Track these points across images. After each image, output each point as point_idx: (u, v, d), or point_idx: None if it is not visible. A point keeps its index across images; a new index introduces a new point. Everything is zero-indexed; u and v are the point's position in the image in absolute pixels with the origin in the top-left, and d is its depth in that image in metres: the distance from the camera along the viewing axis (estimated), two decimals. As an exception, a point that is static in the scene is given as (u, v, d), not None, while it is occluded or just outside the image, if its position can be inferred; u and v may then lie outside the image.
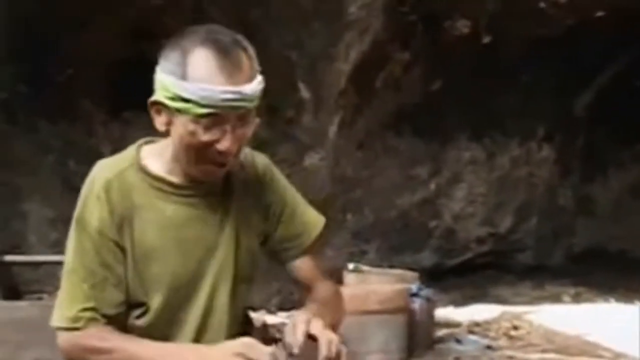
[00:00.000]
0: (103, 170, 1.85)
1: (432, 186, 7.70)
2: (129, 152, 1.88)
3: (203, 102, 1.69)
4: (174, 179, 1.84)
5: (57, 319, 1.82)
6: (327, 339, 1.68)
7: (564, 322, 6.20)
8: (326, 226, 2.04)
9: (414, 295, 5.37)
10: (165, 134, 1.80)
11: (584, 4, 6.99)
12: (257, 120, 1.79)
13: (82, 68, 6.28)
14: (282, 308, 6.19)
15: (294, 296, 5.76)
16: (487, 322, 6.24)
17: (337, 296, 2.03)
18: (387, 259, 7.19)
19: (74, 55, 6.21)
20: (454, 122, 7.52)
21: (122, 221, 1.81)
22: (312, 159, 6.64)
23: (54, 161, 6.55)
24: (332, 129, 6.70)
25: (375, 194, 7.43)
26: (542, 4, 6.85)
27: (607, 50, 7.43)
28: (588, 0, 6.99)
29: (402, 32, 6.75)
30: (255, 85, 1.74)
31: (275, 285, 6.10)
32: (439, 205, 7.78)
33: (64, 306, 1.81)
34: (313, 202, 2.06)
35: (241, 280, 1.90)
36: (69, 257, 1.84)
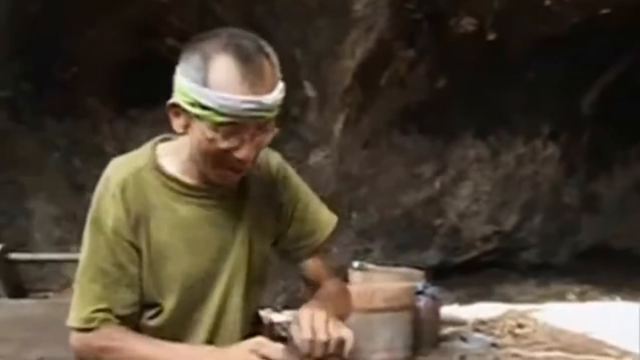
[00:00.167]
0: (119, 169, 1.83)
1: (437, 184, 7.69)
2: (145, 150, 1.87)
3: (223, 110, 1.66)
4: (189, 179, 1.83)
5: (71, 319, 1.82)
6: (326, 327, 1.68)
7: (569, 320, 6.19)
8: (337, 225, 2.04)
9: (419, 293, 5.37)
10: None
11: (590, 1, 6.98)
12: (276, 130, 1.77)
13: (87, 66, 6.28)
14: (287, 306, 6.19)
15: (299, 294, 5.77)
16: (492, 320, 6.23)
17: (344, 293, 2.03)
18: (392, 257, 7.18)
19: (79, 53, 6.21)
20: (459, 120, 7.51)
21: (137, 221, 1.80)
22: (317, 157, 6.64)
23: (59, 159, 6.56)
24: (337, 127, 6.70)
25: (381, 192, 7.42)
26: (547, 2, 6.83)
27: (612, 48, 7.41)
28: (593, -2, 6.98)
29: (408, 30, 6.74)
30: (276, 95, 1.71)
31: (281, 284, 6.10)
32: (444, 204, 7.77)
33: (77, 307, 1.81)
34: (318, 201, 2.05)
35: (254, 281, 1.90)
36: (83, 257, 1.83)
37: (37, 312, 4.09)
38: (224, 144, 1.70)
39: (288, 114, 6.29)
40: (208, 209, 1.84)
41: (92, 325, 1.78)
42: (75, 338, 1.81)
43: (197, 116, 1.69)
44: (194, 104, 1.68)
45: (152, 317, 1.84)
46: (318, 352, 1.67)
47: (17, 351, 4.06)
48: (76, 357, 1.84)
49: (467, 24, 6.91)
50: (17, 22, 6.10)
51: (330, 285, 1.99)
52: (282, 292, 6.27)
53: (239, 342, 1.78)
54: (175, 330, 1.83)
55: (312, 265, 2.00)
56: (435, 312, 5.58)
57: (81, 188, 6.25)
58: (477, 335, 5.87)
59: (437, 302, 5.58)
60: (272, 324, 2.07)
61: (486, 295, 7.25)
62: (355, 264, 5.98)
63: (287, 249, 1.98)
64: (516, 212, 8.11)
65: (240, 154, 1.72)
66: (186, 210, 1.82)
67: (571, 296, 7.34)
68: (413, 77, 7.03)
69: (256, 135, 1.72)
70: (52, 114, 6.43)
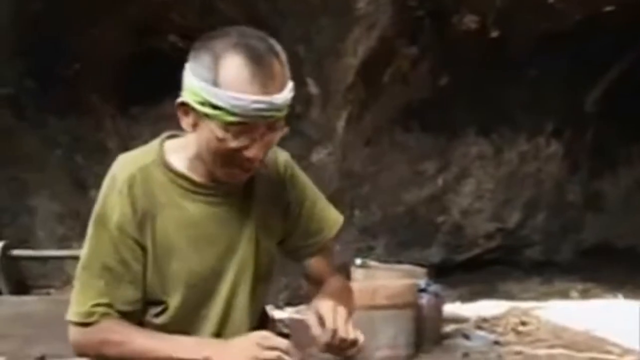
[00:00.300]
0: (126, 165, 1.82)
1: (440, 182, 7.68)
2: (152, 146, 1.86)
3: (234, 110, 1.66)
4: (197, 177, 1.82)
5: (71, 313, 1.81)
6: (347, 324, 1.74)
7: (572, 317, 6.19)
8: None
9: (422, 290, 5.37)
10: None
11: (593, -2, 6.97)
12: (285, 129, 1.77)
13: (89, 63, 6.28)
14: (290, 303, 6.20)
15: (302, 292, 5.77)
16: (495, 318, 6.23)
17: (348, 290, 2.03)
18: (394, 254, 7.18)
19: (82, 50, 6.21)
20: (462, 118, 7.50)
21: (144, 218, 1.79)
22: (319, 155, 6.64)
23: (61, 156, 6.57)
24: (340, 124, 6.69)
25: (383, 189, 7.42)
26: (550, -1, 6.83)
27: (616, 45, 7.39)
28: (597, -5, 6.97)
29: (410, 27, 6.73)
30: (286, 94, 1.71)
31: (283, 281, 6.10)
32: (447, 201, 7.76)
33: (77, 301, 1.80)
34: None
35: (260, 279, 1.90)
36: (85, 252, 1.82)
37: (39, 309, 4.10)
38: (233, 143, 1.70)
39: (290, 111, 6.28)
40: (215, 207, 1.83)
41: (93, 319, 1.77)
42: (75, 332, 1.81)
43: (207, 115, 1.69)
44: (204, 103, 1.68)
45: (157, 315, 1.83)
46: (337, 344, 1.71)
47: (19, 347, 4.07)
48: (76, 352, 1.83)
49: (470, 21, 6.90)
50: (20, 21, 6.11)
51: (334, 282, 2.00)
52: (284, 290, 6.27)
53: None
54: (181, 328, 1.82)
55: (316, 263, 2.01)
56: (438, 310, 5.58)
57: (83, 185, 6.26)
58: (480, 332, 5.86)
59: (439, 300, 5.58)
60: (274, 321, 2.07)
61: (489, 292, 7.25)
62: (358, 261, 5.97)
63: (293, 247, 1.98)
64: (519, 209, 8.09)
65: (250, 153, 1.72)
66: (194, 207, 1.82)
67: (574, 294, 7.33)
68: (415, 74, 7.03)
69: (266, 134, 1.72)
70: (55, 111, 6.43)
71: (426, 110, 7.24)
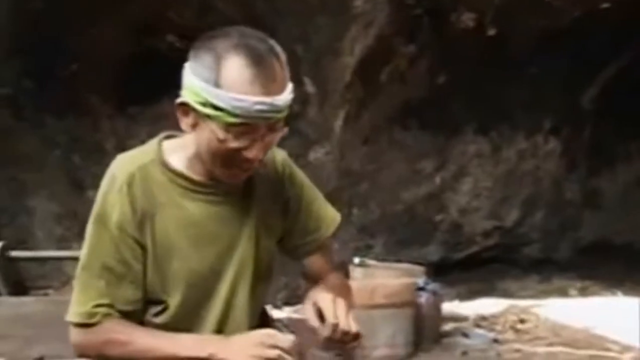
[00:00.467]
0: (125, 165, 1.82)
1: (438, 180, 7.68)
2: (151, 146, 1.86)
3: (236, 111, 1.66)
4: (196, 176, 1.82)
5: (71, 314, 1.80)
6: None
7: (571, 315, 6.19)
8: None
9: (421, 289, 5.37)
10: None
11: (590, -5, 6.98)
12: (285, 129, 1.77)
13: (87, 63, 6.28)
14: (288, 303, 6.20)
15: (300, 291, 5.77)
16: (494, 316, 6.24)
17: (346, 288, 2.03)
18: (393, 253, 7.18)
19: (80, 51, 6.21)
20: (460, 116, 7.50)
21: (143, 217, 1.79)
22: (317, 154, 6.64)
23: (59, 156, 6.56)
24: (338, 123, 6.70)
25: (381, 188, 7.42)
26: (547, -3, 6.83)
27: (614, 42, 7.39)
28: (594, -8, 6.97)
29: (408, 26, 6.73)
30: (286, 95, 1.72)
31: (282, 280, 6.10)
32: (445, 199, 7.76)
33: (78, 302, 1.80)
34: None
35: (260, 278, 1.90)
36: (85, 252, 1.81)
37: (38, 310, 4.08)
38: (234, 144, 1.70)
39: (289, 111, 6.28)
40: (215, 205, 1.83)
41: (94, 320, 1.77)
42: (76, 333, 1.80)
43: (208, 116, 1.69)
44: (205, 104, 1.68)
45: (157, 314, 1.83)
46: (339, 337, 1.70)
47: (18, 349, 4.06)
48: (77, 353, 1.82)
49: (468, 19, 6.90)
50: (19, 20, 6.10)
51: (332, 279, 2.00)
52: (283, 289, 6.27)
53: None
54: (181, 327, 1.82)
55: (315, 262, 2.01)
56: (437, 308, 5.58)
57: (81, 185, 6.26)
58: (479, 331, 5.87)
59: (438, 298, 5.58)
60: (272, 320, 2.06)
61: (488, 290, 7.25)
62: (357, 260, 5.98)
63: (292, 245, 1.98)
64: (517, 207, 8.10)
65: (250, 153, 1.72)
66: (193, 206, 1.82)
67: (573, 291, 7.34)
68: (413, 72, 7.03)
69: (266, 135, 1.72)
70: (53, 111, 6.43)
71: (424, 108, 7.23)
